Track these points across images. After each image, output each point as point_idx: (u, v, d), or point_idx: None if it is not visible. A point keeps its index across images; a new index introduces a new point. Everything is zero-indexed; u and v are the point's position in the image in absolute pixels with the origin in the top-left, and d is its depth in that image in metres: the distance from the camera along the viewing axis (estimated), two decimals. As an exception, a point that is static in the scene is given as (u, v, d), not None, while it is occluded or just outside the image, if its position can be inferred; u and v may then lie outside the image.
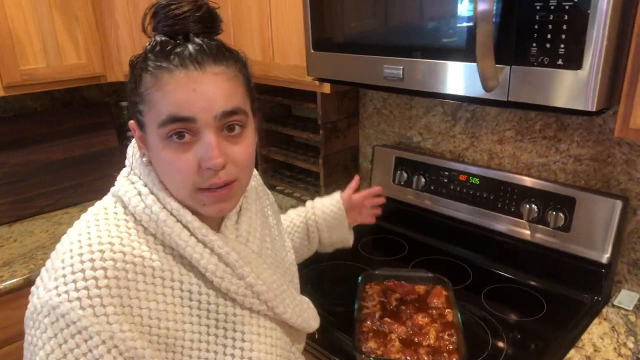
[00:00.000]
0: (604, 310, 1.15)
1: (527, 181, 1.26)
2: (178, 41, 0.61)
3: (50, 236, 1.57)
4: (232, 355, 0.67)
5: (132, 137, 0.70)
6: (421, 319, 1.09)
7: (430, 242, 1.48)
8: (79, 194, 1.80)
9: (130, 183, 0.68)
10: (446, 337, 1.03)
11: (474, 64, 0.92)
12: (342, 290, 1.28)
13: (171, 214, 0.65)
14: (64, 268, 0.59)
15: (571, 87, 0.82)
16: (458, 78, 0.97)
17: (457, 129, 1.43)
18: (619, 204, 1.12)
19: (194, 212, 0.67)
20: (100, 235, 0.61)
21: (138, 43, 1.65)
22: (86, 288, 0.57)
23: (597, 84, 0.80)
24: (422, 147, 1.54)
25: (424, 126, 1.51)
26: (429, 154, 1.50)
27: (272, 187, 1.92)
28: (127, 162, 0.72)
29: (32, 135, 1.75)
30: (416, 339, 1.03)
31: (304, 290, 1.22)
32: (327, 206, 1.11)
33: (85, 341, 0.56)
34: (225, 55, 0.63)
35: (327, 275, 1.36)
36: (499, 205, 1.31)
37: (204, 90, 0.59)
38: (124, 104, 1.95)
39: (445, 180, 1.41)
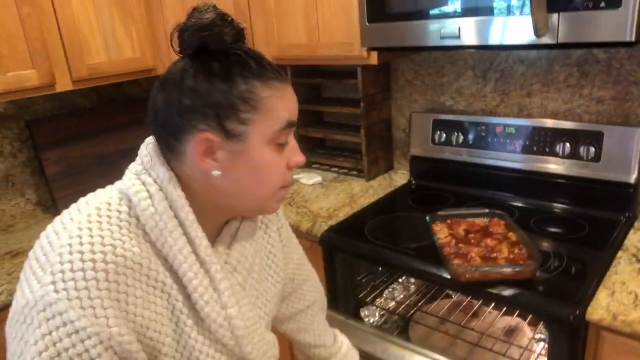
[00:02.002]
0: (636, 224, 1.36)
1: (558, 124, 1.46)
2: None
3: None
4: None
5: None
6: (490, 241, 1.27)
7: (473, 192, 1.66)
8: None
9: (141, 183, 0.65)
10: (517, 251, 1.21)
11: (524, 17, 1.12)
12: (408, 233, 1.45)
13: (180, 225, 0.65)
14: (62, 263, 0.57)
15: (612, 24, 1.03)
16: (510, 30, 1.16)
17: (488, 89, 1.63)
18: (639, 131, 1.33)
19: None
20: (103, 235, 0.60)
21: (186, 36, 1.78)
22: (87, 288, 0.56)
23: (635, 18, 1.00)
24: (455, 109, 1.73)
25: (455, 90, 1.71)
26: (462, 114, 1.69)
27: (310, 165, 2.08)
28: (139, 160, 0.69)
29: (85, 130, 1.86)
30: (492, 255, 1.21)
31: (375, 237, 1.38)
32: None
33: (82, 341, 0.55)
34: None
35: (390, 226, 1.52)
36: (535, 149, 1.51)
37: None
38: (163, 98, 2.07)
39: (483, 134, 1.61)
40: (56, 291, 0.55)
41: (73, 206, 0.66)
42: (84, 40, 1.57)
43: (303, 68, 1.95)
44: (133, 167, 0.68)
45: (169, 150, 0.66)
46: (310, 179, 1.89)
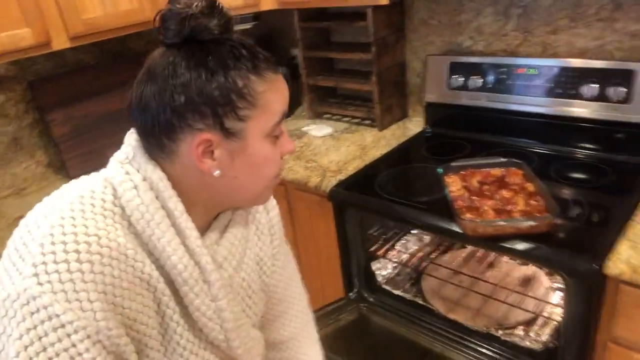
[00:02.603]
0: (667, 170, 1.27)
1: (584, 63, 1.34)
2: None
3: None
4: None
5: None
6: (506, 193, 1.20)
7: (491, 139, 1.57)
8: (142, 140, 1.90)
9: (126, 173, 0.63)
10: (533, 202, 1.15)
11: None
12: (421, 186, 1.40)
13: (168, 216, 0.63)
14: (44, 255, 0.55)
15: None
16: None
17: (509, 26, 1.50)
18: (677, 68, 1.21)
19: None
20: (87, 224, 0.58)
21: (184, -17, 1.68)
22: (72, 281, 0.54)
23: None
24: (474, 50, 1.61)
25: (474, 29, 1.58)
26: (481, 55, 1.57)
27: (320, 115, 2.01)
28: (124, 148, 0.66)
29: (89, 89, 1.82)
30: (507, 208, 1.15)
31: (385, 191, 1.32)
32: None
33: (68, 335, 0.54)
34: None
35: (402, 178, 1.46)
36: (558, 91, 1.40)
37: None
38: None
39: (503, 77, 1.49)
40: (40, 284, 0.54)
41: (54, 193, 0.64)
42: (76, -7, 1.50)
43: (310, 11, 1.84)
44: (119, 155, 0.66)
45: (160, 150, 0.62)
46: (320, 130, 1.83)
